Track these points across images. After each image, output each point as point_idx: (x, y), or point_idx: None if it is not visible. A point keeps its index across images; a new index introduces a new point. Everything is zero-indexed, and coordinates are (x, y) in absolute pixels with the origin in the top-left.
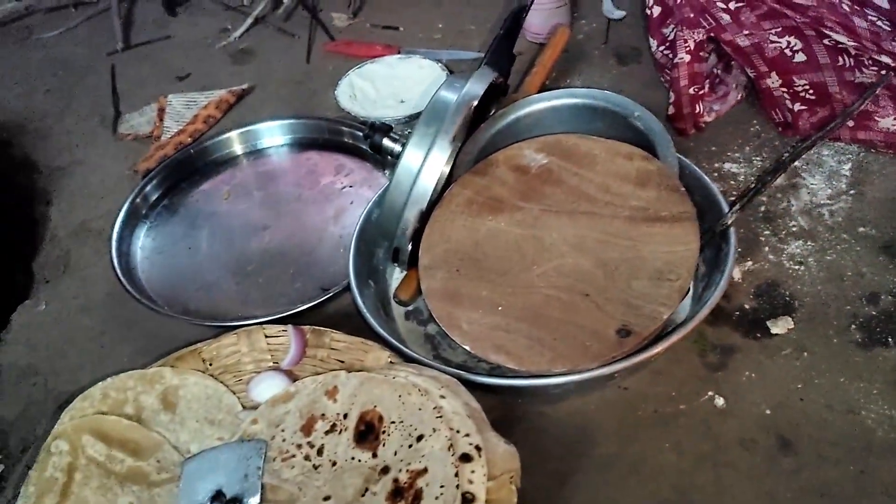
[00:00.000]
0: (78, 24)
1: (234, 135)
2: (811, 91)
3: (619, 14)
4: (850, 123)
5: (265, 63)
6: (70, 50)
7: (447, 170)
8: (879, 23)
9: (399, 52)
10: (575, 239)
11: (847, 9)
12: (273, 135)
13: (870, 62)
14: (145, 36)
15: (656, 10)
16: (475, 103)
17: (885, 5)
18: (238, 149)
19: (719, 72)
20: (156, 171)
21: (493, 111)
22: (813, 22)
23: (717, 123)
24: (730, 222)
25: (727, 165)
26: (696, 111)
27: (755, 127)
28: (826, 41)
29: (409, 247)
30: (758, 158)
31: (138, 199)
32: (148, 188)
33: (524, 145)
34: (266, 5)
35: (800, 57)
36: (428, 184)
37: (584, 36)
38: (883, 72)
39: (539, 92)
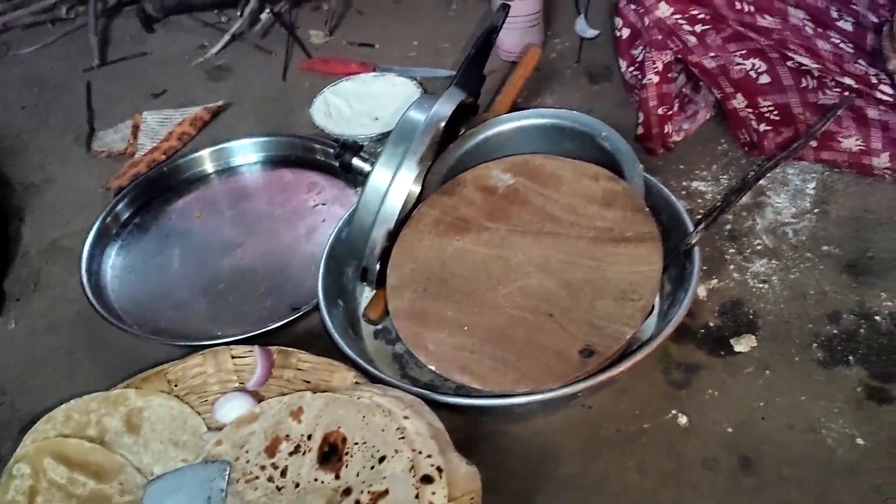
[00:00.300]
0: (55, 40)
1: (206, 153)
2: (776, 112)
3: (592, 33)
4: (814, 144)
5: (241, 80)
6: (47, 66)
7: (416, 189)
8: (842, 45)
9: (374, 70)
10: (540, 259)
11: (810, 31)
12: (246, 152)
13: (833, 84)
14: (122, 52)
15: (625, 32)
16: (443, 124)
17: (849, 28)
18: (210, 167)
19: (688, 91)
20: (127, 189)
21: (462, 131)
22: (777, 44)
23: (686, 142)
24: (694, 241)
25: (695, 184)
26: (665, 131)
27: (723, 146)
28: (790, 63)
29: (378, 266)
30: (725, 177)
31: (109, 218)
32: (119, 206)
33: (492, 165)
34: (243, 22)
35: (764, 79)
36: (395, 203)
37: (556, 55)
38: (846, 93)
39: (510, 111)
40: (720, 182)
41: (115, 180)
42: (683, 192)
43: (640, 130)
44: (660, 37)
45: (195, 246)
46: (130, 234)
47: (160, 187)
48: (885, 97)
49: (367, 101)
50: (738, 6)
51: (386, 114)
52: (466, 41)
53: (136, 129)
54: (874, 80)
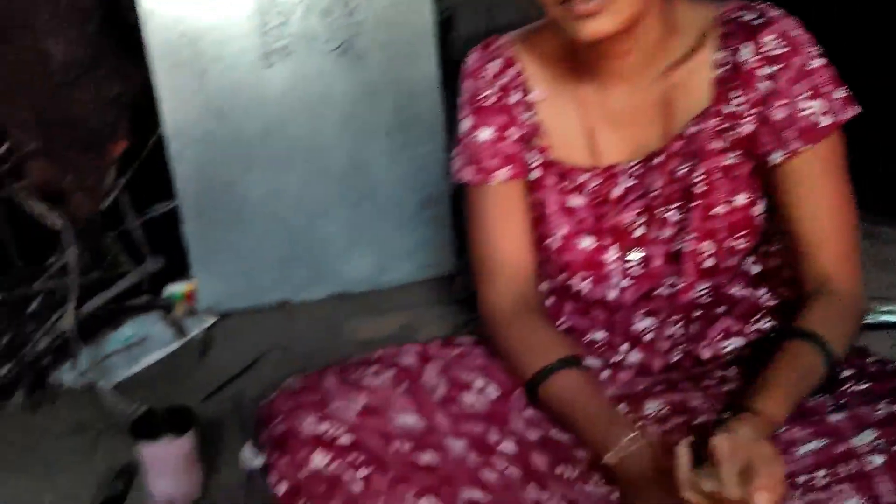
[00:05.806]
0: None
1: None
2: None
3: (259, 462)
4: None
5: None
6: None
7: None
8: (507, 471)
9: None
10: None
11: (474, 461)
12: None
13: None
14: None
15: (283, 487)
16: None
17: (512, 450)
18: None
19: None
20: None
21: None
22: (444, 480)
23: None
24: None
25: None
26: None
27: None
28: (464, 496)
29: None
30: None
31: None
32: None
33: None
34: None
35: None
36: None
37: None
38: None
39: None
40: None
41: None
42: None
43: None
44: (322, 488)
45: None
46: None
47: None
48: None
49: None
50: (396, 445)
51: None
52: None
53: None
54: None
